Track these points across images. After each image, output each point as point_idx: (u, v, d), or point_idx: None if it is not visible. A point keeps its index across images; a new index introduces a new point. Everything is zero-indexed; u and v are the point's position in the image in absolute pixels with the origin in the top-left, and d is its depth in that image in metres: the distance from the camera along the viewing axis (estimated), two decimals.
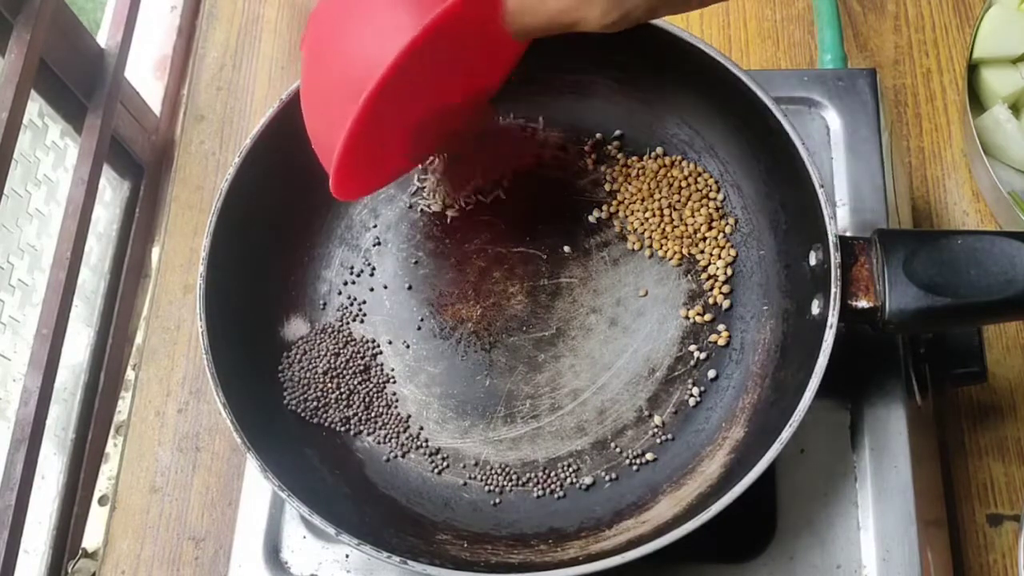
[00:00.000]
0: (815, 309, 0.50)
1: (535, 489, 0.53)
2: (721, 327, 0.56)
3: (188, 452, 0.66)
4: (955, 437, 0.64)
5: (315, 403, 0.55)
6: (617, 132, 0.60)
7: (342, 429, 0.55)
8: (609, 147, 0.60)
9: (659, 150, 0.59)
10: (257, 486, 0.56)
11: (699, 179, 0.58)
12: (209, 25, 0.80)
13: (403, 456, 0.55)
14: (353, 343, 0.57)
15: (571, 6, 0.43)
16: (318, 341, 0.57)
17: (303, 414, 0.55)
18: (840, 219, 0.58)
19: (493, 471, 0.54)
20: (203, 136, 0.76)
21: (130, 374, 0.73)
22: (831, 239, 0.49)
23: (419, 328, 0.57)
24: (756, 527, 0.52)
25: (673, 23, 0.54)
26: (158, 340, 0.69)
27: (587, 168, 0.60)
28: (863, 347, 0.55)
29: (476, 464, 0.54)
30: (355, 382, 0.56)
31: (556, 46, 0.59)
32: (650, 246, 0.58)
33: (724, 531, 0.46)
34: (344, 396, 0.55)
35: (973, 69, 0.71)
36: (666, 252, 0.57)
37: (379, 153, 0.52)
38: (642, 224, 0.58)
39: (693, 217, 0.58)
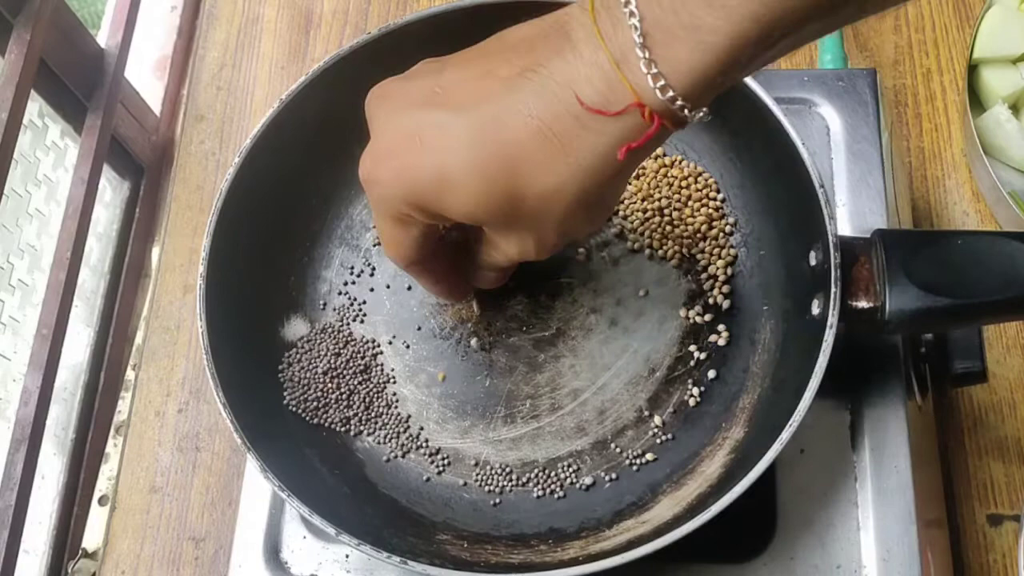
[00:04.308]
0: (815, 309, 0.50)
1: (535, 489, 0.53)
2: (721, 327, 0.56)
3: (188, 452, 0.66)
4: (955, 437, 0.64)
5: (315, 403, 0.55)
6: None
7: (342, 429, 0.55)
8: None
9: (659, 150, 0.59)
10: (257, 486, 0.56)
11: (699, 179, 0.58)
12: (209, 25, 0.80)
13: (403, 456, 0.55)
14: (353, 343, 0.57)
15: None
16: (318, 341, 0.56)
17: (303, 414, 0.55)
18: (840, 219, 0.58)
19: (493, 471, 0.54)
20: (203, 136, 0.76)
21: (130, 374, 0.73)
22: (831, 239, 0.49)
23: (419, 328, 0.57)
24: (756, 527, 0.52)
25: None
26: (158, 340, 0.69)
27: None
28: (863, 347, 0.55)
29: (476, 464, 0.54)
30: (355, 382, 0.56)
31: None
32: (650, 246, 0.58)
33: (724, 531, 0.46)
34: (344, 396, 0.55)
35: (973, 69, 0.71)
36: (666, 252, 0.57)
37: None
38: (642, 224, 0.58)
39: (693, 217, 0.58)
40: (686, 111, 0.37)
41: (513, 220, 0.41)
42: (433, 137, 0.39)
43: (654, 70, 0.36)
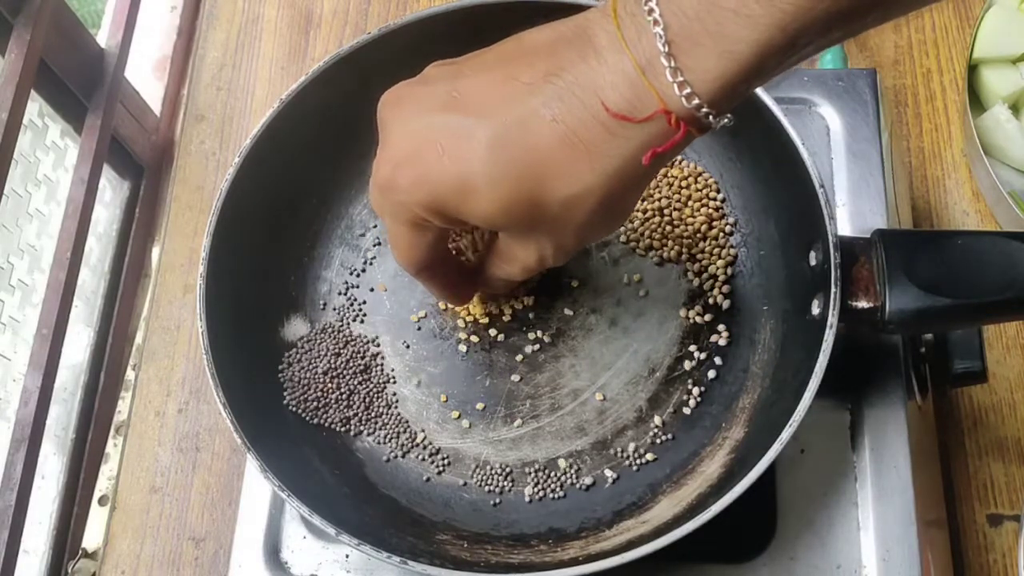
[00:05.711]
0: (815, 309, 0.50)
1: (535, 489, 0.53)
2: (721, 327, 0.56)
3: (188, 452, 0.66)
4: (955, 437, 0.64)
5: (315, 403, 0.55)
6: None
7: (342, 429, 0.55)
8: None
9: None
10: (257, 486, 0.56)
11: (699, 179, 0.58)
12: (209, 25, 0.80)
13: (403, 456, 0.55)
14: (353, 343, 0.57)
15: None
16: (318, 341, 0.56)
17: (303, 414, 0.55)
18: (840, 219, 0.58)
19: (493, 471, 0.54)
20: (203, 136, 0.76)
21: (130, 374, 0.73)
22: (831, 239, 0.49)
23: (419, 328, 0.57)
24: (756, 527, 0.52)
25: None
26: (158, 340, 0.69)
27: None
28: (863, 347, 0.55)
29: (476, 464, 0.54)
30: (355, 382, 0.56)
31: None
32: (650, 246, 0.58)
33: (724, 531, 0.46)
34: (344, 396, 0.55)
35: (973, 69, 0.71)
36: (666, 252, 0.57)
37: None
38: (642, 224, 0.58)
39: (693, 217, 0.58)
40: (711, 117, 0.37)
41: (534, 226, 0.41)
42: (454, 143, 0.39)
43: (680, 78, 0.35)
